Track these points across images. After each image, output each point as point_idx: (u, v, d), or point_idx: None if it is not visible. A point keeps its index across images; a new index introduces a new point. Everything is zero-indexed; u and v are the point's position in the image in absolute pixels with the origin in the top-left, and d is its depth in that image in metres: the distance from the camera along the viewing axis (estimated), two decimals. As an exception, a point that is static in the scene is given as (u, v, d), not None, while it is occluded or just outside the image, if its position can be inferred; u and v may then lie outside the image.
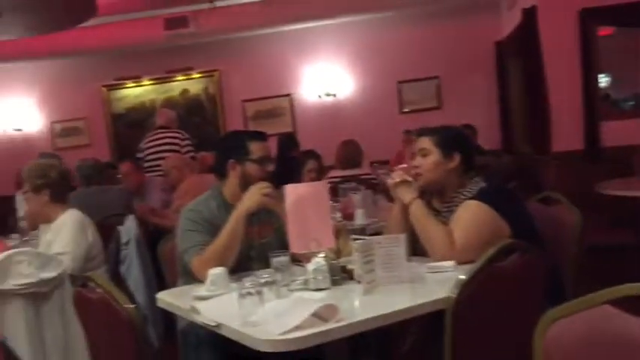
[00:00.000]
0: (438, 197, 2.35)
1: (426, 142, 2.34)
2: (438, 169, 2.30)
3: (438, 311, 1.74)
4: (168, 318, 2.82)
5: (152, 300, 3.20)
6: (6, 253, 2.30)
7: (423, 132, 2.39)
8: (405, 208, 2.29)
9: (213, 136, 7.40)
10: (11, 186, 5.89)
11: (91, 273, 2.19)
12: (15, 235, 3.84)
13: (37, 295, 2.31)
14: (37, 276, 2.28)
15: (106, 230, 3.38)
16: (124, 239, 3.43)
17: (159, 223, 4.51)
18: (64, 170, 3.07)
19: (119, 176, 5.30)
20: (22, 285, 2.24)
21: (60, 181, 2.98)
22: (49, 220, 3.01)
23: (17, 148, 7.63)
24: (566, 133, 5.28)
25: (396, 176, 2.33)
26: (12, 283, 2.22)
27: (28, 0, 5.07)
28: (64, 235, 2.86)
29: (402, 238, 1.99)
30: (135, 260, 3.37)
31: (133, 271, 3.36)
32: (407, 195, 2.29)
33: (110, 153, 7.70)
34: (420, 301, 1.78)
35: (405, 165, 2.40)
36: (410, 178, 2.31)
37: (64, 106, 7.87)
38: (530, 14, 5.50)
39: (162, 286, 2.73)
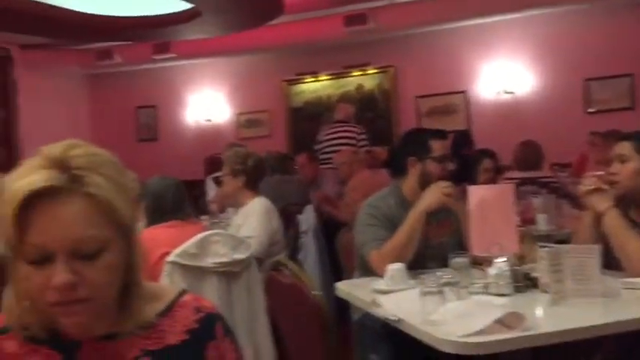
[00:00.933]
0: (637, 208, 2.17)
1: (626, 148, 2.17)
2: (639, 178, 2.12)
3: (636, 332, 1.61)
4: (339, 306, 2.93)
5: (326, 288, 3.35)
6: (205, 233, 2.53)
7: (624, 136, 2.22)
8: (598, 218, 2.14)
9: (386, 131, 7.47)
10: (202, 171, 6.44)
11: (281, 258, 2.35)
12: (204, 217, 4.20)
13: (229, 274, 2.51)
14: (230, 256, 2.48)
15: (286, 218, 3.59)
16: (302, 228, 3.61)
17: (332, 213, 4.68)
18: (260, 160, 3.30)
19: (296, 167, 5.59)
20: (217, 263, 2.45)
21: (255, 170, 3.22)
22: (239, 204, 3.26)
23: (206, 137, 8.35)
24: None
25: (589, 183, 2.19)
26: (209, 261, 2.43)
27: (226, 1, 5.51)
28: (253, 220, 3.09)
29: (596, 249, 1.87)
30: (312, 249, 3.53)
31: (310, 259, 3.53)
32: (601, 204, 2.14)
33: (287, 144, 8.11)
34: (615, 318, 1.67)
35: (600, 172, 2.24)
36: (605, 186, 2.16)
37: (248, 99, 8.43)
38: None
39: (337, 276, 2.84)
